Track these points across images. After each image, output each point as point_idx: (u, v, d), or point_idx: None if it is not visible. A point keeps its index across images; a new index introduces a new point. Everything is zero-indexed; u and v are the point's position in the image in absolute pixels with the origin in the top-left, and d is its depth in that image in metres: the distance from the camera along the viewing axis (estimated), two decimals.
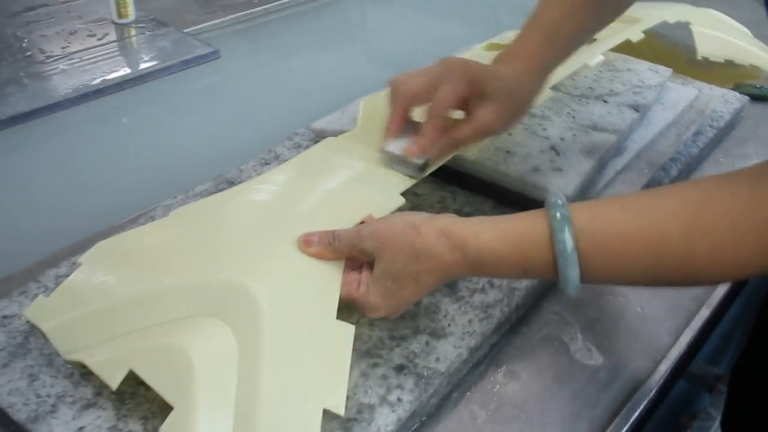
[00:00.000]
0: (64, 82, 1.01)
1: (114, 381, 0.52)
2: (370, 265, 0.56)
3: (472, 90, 0.64)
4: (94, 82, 1.01)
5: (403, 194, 0.66)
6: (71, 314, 0.57)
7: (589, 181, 0.74)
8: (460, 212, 0.75)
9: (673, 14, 1.02)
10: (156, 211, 0.74)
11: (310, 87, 1.12)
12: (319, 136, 0.85)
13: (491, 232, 0.52)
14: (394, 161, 0.68)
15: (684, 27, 1.09)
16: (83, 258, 0.62)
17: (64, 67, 1.05)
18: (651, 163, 0.81)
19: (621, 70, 0.94)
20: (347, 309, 0.58)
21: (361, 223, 0.61)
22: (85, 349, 0.55)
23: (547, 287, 0.69)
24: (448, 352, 0.59)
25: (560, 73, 0.81)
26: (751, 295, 0.82)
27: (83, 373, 0.56)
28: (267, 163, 0.82)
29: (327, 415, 0.51)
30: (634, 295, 0.70)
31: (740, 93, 1.01)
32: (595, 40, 0.92)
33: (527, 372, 0.62)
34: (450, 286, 0.66)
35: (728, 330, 0.97)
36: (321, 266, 0.58)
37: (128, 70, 1.05)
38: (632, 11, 0.98)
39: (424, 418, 0.57)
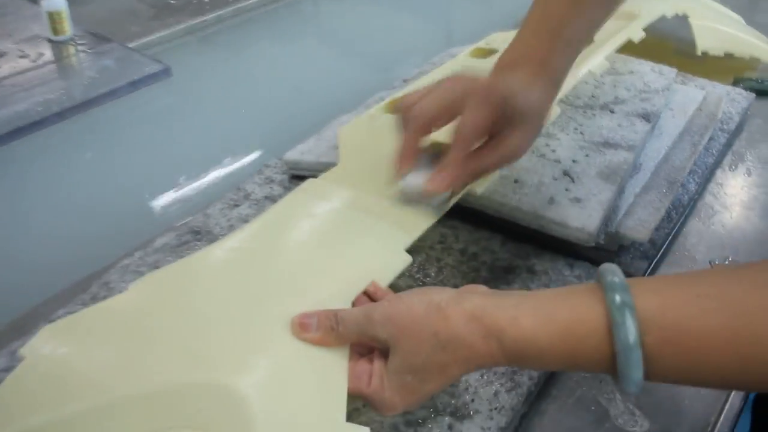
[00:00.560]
0: None
1: None
2: (383, 352, 0.46)
3: (498, 114, 0.55)
4: (29, 114, 0.88)
5: None
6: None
7: (610, 210, 0.65)
8: (465, 252, 0.66)
9: (670, 8, 0.94)
10: (111, 275, 0.63)
11: (276, 103, 1.00)
12: (293, 168, 0.75)
13: (532, 318, 0.43)
14: (413, 198, 0.58)
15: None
16: (24, 350, 0.51)
17: None
18: (670, 181, 0.72)
19: (623, 73, 0.85)
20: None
21: (365, 293, 0.51)
22: None
23: None
24: None
25: (566, 84, 0.72)
26: None
27: None
28: (237, 205, 0.71)
29: None
30: None
31: (745, 89, 0.93)
32: (593, 41, 0.83)
33: None
34: None
35: None
36: (322, 354, 0.47)
37: (68, 97, 0.93)
38: (626, 5, 0.90)
39: None
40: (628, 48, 0.86)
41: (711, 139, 0.82)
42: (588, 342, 0.42)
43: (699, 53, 0.96)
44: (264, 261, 0.54)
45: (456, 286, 0.48)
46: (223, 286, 0.52)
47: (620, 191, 0.67)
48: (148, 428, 0.44)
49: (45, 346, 0.50)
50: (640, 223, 0.66)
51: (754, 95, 0.92)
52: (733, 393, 0.57)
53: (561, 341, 0.42)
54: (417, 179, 0.57)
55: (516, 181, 0.66)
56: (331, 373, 0.46)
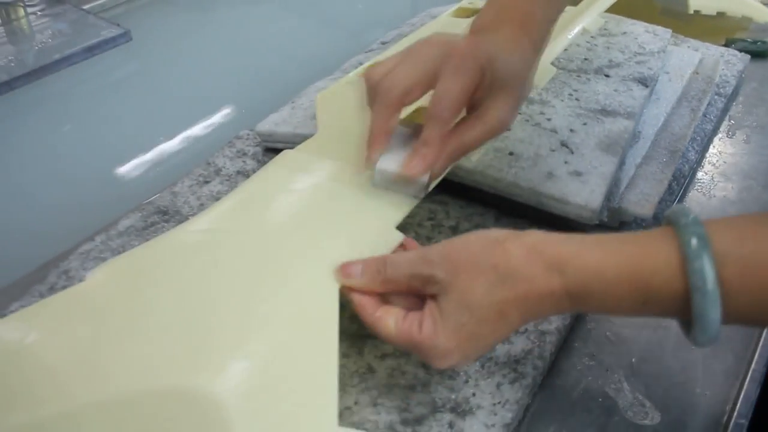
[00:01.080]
0: None
1: None
2: (435, 299, 0.43)
3: (477, 82, 0.49)
4: None
5: None
6: None
7: (613, 185, 0.60)
8: (456, 229, 0.61)
9: None
10: (70, 262, 0.57)
11: (246, 69, 0.94)
12: (266, 140, 0.69)
13: (598, 251, 0.41)
14: (389, 181, 0.52)
15: None
16: None
17: None
18: (671, 150, 0.68)
19: (615, 34, 0.80)
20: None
21: None
22: None
23: (577, 322, 0.56)
24: None
25: (558, 44, 0.67)
26: None
27: None
28: (207, 181, 0.65)
29: None
30: (677, 323, 0.57)
31: (738, 51, 0.89)
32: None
33: None
34: None
35: None
36: (309, 350, 0.42)
37: (18, 63, 0.85)
38: None
39: None
40: (615, 8, 0.81)
41: (708, 104, 0.78)
42: (659, 276, 0.39)
43: (691, 12, 0.92)
44: (240, 244, 0.49)
45: None
46: (196, 273, 0.47)
47: (621, 163, 0.63)
48: None
49: None
50: (643, 197, 0.61)
51: (749, 57, 0.88)
52: (748, 379, 0.53)
53: (629, 274, 0.39)
54: (391, 164, 0.51)
55: (511, 154, 0.61)
56: (319, 371, 0.42)
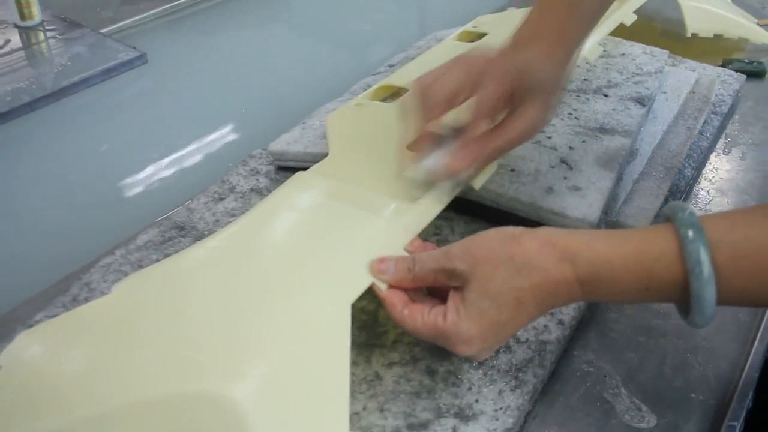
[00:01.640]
0: None
1: None
2: (459, 290, 0.47)
3: (515, 87, 0.54)
4: None
5: None
6: None
7: (610, 199, 0.63)
8: None
9: None
10: (92, 274, 0.60)
11: (257, 89, 0.97)
12: (279, 159, 0.72)
13: (605, 242, 0.45)
14: (433, 178, 0.56)
15: None
16: (1, 358, 0.48)
17: None
18: (667, 167, 0.70)
19: (614, 55, 0.83)
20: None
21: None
22: None
23: (576, 331, 0.58)
24: None
25: None
26: None
27: None
28: (222, 198, 0.68)
29: None
30: (674, 331, 0.59)
31: (735, 71, 0.91)
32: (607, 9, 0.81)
33: None
34: None
35: None
36: (321, 357, 0.45)
37: (39, 86, 0.89)
38: None
39: None
40: (615, 30, 0.84)
41: (705, 122, 0.80)
42: (660, 263, 0.43)
43: (689, 35, 0.95)
44: (255, 261, 0.51)
45: None
46: (213, 287, 0.50)
47: (619, 178, 0.66)
48: None
49: (23, 353, 0.48)
50: (639, 211, 0.64)
51: (744, 77, 0.91)
52: (741, 384, 0.56)
53: (634, 262, 0.43)
54: (438, 159, 0.55)
55: (513, 170, 0.64)
56: (331, 379, 0.44)
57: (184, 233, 0.64)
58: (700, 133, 0.79)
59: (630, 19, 0.82)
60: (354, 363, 0.53)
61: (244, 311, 0.47)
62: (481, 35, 0.83)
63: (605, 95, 0.76)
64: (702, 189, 0.75)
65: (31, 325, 0.55)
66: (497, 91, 0.53)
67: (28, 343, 0.48)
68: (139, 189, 0.78)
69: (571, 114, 0.72)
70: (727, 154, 0.81)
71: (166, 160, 0.81)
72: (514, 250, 0.45)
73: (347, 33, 1.19)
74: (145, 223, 0.66)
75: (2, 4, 1.03)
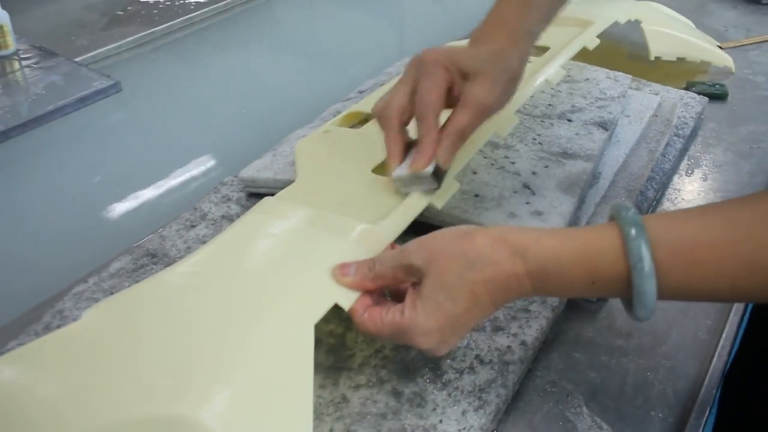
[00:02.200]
0: None
1: None
2: (416, 286, 0.49)
3: (450, 77, 0.57)
4: None
5: None
6: None
7: (572, 223, 0.65)
8: None
9: (623, 13, 0.94)
10: (64, 302, 0.61)
11: (230, 117, 0.98)
12: (249, 186, 0.73)
13: (554, 239, 0.47)
14: (406, 184, 0.59)
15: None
16: None
17: None
18: (629, 189, 0.72)
19: (578, 80, 0.86)
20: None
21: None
22: None
23: (540, 352, 0.60)
24: None
25: (523, 94, 0.71)
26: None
27: None
28: (193, 225, 0.69)
29: None
30: (635, 350, 0.61)
31: (697, 93, 0.94)
32: (548, 48, 0.83)
33: None
34: (434, 368, 0.55)
35: None
36: (285, 381, 0.46)
37: (13, 114, 0.90)
38: (579, 11, 0.91)
39: None
40: (582, 54, 0.87)
41: (667, 144, 0.83)
42: (604, 258, 0.45)
43: (652, 58, 0.97)
44: (223, 285, 0.53)
45: None
46: (182, 312, 0.51)
47: (581, 202, 0.67)
48: None
49: None
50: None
51: (707, 99, 0.93)
52: (698, 401, 0.57)
53: (581, 257, 0.46)
54: (404, 167, 0.58)
55: (476, 196, 0.66)
56: (294, 400, 0.45)
57: (156, 260, 0.65)
58: (663, 155, 0.81)
59: (593, 43, 0.84)
60: (321, 386, 0.54)
61: (211, 334, 0.48)
62: None
63: (569, 120, 0.78)
64: (665, 210, 0.77)
65: (2, 353, 0.55)
66: (431, 82, 0.56)
67: (1, 369, 0.49)
68: (111, 217, 0.79)
69: (534, 139, 0.74)
70: (689, 176, 0.83)
71: (138, 188, 0.82)
72: (468, 245, 0.48)
73: (322, 58, 1.21)
74: (118, 250, 0.67)
75: None
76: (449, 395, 0.54)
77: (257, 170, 0.73)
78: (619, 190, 0.72)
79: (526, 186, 0.67)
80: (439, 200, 0.61)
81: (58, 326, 0.59)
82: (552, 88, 0.83)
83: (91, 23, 1.17)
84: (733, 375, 0.69)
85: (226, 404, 0.45)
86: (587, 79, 0.86)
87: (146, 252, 0.66)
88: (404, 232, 0.58)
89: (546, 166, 0.69)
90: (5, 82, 0.98)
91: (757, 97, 1.01)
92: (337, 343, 0.58)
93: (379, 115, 0.59)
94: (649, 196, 0.75)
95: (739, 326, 0.65)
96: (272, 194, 0.63)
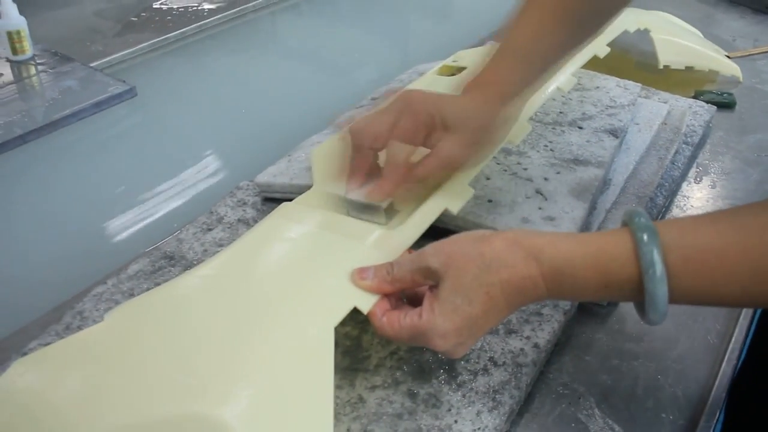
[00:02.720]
0: None
1: None
2: (433, 289, 0.50)
3: (432, 123, 0.58)
4: None
5: None
6: None
7: (583, 228, 0.66)
8: None
9: (632, 23, 0.96)
10: (84, 303, 0.62)
11: (245, 121, 1.00)
12: (265, 191, 0.74)
13: (568, 242, 0.48)
14: (357, 209, 0.61)
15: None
16: None
17: None
18: (639, 196, 0.73)
19: (589, 88, 0.87)
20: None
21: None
22: None
23: (552, 355, 0.61)
24: None
25: (535, 102, 0.73)
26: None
27: None
28: (210, 229, 0.70)
29: None
30: (645, 354, 0.62)
31: (706, 102, 0.95)
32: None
33: None
34: (449, 370, 0.56)
35: None
36: (306, 380, 0.47)
37: (30, 119, 0.91)
38: None
39: None
40: (592, 63, 0.88)
41: (676, 152, 0.84)
42: (617, 262, 0.46)
43: (661, 67, 0.98)
44: (243, 288, 0.54)
45: None
46: (202, 314, 0.52)
47: (592, 208, 0.68)
48: None
49: (18, 380, 0.49)
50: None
51: (715, 108, 0.94)
52: (709, 404, 0.58)
53: (594, 260, 0.47)
54: (361, 192, 0.60)
55: (490, 201, 0.67)
56: (316, 400, 0.46)
57: (173, 263, 0.66)
58: (672, 162, 0.82)
59: (603, 51, 0.85)
60: (338, 386, 0.55)
61: (232, 336, 0.49)
62: (461, 69, 0.86)
63: (580, 127, 0.79)
64: (674, 216, 0.78)
65: (25, 353, 0.57)
66: (415, 127, 0.58)
67: (23, 371, 0.50)
68: (129, 220, 0.80)
69: (546, 146, 0.75)
70: (698, 183, 0.84)
71: (155, 192, 0.84)
72: (484, 248, 0.49)
73: (333, 66, 1.22)
74: (136, 253, 0.68)
75: None
76: (464, 396, 0.54)
77: (273, 175, 0.74)
78: (629, 196, 0.73)
79: (538, 192, 0.68)
80: (455, 205, 0.62)
81: (79, 326, 0.60)
82: (563, 96, 0.84)
83: (105, 29, 1.19)
84: (742, 379, 0.70)
85: (247, 403, 0.46)
86: (598, 87, 0.87)
87: (164, 254, 0.67)
88: (420, 237, 0.59)
89: (558, 173, 0.70)
90: (22, 87, 1.00)
91: (764, 106, 1.02)
92: (353, 344, 0.59)
93: (355, 134, 0.60)
94: (659, 202, 0.76)
95: (748, 331, 0.66)
96: (288, 199, 0.64)
